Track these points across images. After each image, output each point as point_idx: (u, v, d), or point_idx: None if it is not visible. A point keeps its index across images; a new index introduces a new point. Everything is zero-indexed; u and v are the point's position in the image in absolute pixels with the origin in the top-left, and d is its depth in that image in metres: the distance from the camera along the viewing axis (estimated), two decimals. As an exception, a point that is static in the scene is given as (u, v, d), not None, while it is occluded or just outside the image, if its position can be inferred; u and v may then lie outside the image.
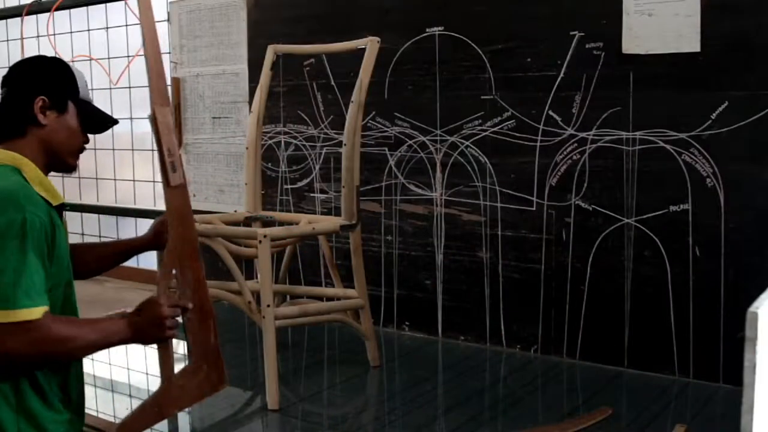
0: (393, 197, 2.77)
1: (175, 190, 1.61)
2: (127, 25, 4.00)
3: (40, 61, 1.70)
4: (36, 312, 1.41)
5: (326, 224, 2.31)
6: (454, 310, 2.66)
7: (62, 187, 4.43)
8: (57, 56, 1.71)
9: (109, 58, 4.12)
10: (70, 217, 4.41)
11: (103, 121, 1.75)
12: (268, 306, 2.04)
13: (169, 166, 1.59)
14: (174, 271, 1.65)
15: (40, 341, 1.42)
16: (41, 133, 1.59)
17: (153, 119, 1.60)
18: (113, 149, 4.19)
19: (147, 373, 2.48)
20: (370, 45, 2.27)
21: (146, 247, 2.04)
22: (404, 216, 2.75)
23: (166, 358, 1.62)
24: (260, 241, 2.03)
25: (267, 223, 2.51)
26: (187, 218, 1.65)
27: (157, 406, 1.62)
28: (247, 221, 2.53)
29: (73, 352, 1.52)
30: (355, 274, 2.34)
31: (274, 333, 2.05)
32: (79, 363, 1.64)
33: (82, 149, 1.69)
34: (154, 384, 2.37)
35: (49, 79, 1.63)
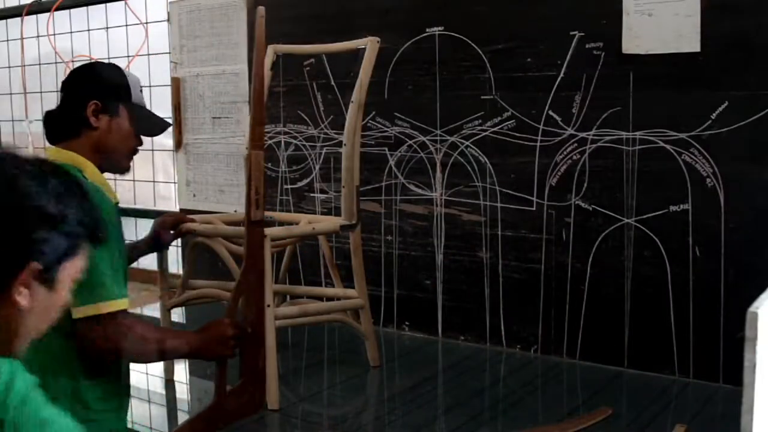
0: (393, 197, 2.76)
1: (255, 225, 1.73)
2: (127, 25, 4.00)
3: (96, 67, 1.80)
4: (124, 303, 1.52)
5: (326, 224, 2.31)
6: (454, 310, 2.66)
7: (62, 187, 4.43)
8: (113, 63, 1.84)
9: (109, 58, 4.12)
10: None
11: (157, 125, 1.82)
12: (269, 306, 2.04)
13: (253, 203, 1.70)
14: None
15: (124, 334, 1.53)
16: (94, 135, 1.66)
17: (247, 160, 1.72)
18: (113, 149, 4.18)
19: (147, 374, 2.48)
20: (370, 45, 2.27)
21: (148, 249, 2.08)
22: (404, 216, 2.75)
23: (221, 376, 1.70)
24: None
25: (266, 223, 2.50)
26: (260, 251, 1.76)
27: (205, 421, 1.69)
28: None
29: (147, 353, 1.61)
30: (355, 274, 2.34)
31: (274, 333, 2.05)
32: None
33: (134, 151, 1.76)
34: (155, 384, 2.37)
35: (102, 84, 1.70)
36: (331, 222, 2.34)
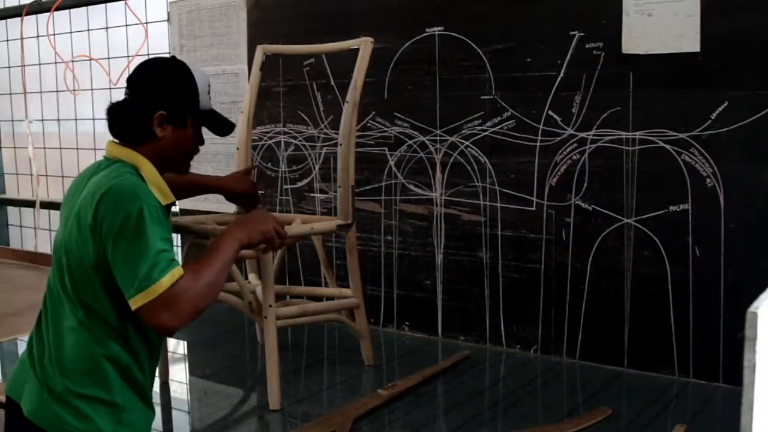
0: (393, 197, 2.77)
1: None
2: (127, 25, 4.00)
3: (164, 68, 1.72)
4: (173, 276, 1.47)
5: (324, 224, 2.31)
6: (454, 310, 2.66)
7: (62, 186, 4.43)
8: (183, 63, 1.74)
9: (109, 58, 4.12)
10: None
11: (223, 128, 1.82)
12: (270, 306, 2.04)
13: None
14: None
15: (191, 298, 1.49)
16: (157, 144, 1.64)
17: None
18: (113, 149, 4.18)
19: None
20: (364, 45, 2.28)
21: (217, 189, 2.19)
22: (404, 216, 2.75)
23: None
24: None
25: None
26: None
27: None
28: None
29: (219, 286, 1.59)
30: (350, 274, 2.34)
31: (275, 333, 2.05)
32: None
33: (196, 152, 1.74)
34: (155, 384, 2.37)
35: (170, 91, 1.66)
36: (328, 222, 2.34)
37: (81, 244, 1.53)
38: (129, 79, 1.68)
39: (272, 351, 2.04)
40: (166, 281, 1.45)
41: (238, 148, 2.54)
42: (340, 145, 2.25)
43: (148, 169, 1.62)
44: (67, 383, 1.54)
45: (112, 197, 1.50)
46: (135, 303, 1.46)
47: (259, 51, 2.53)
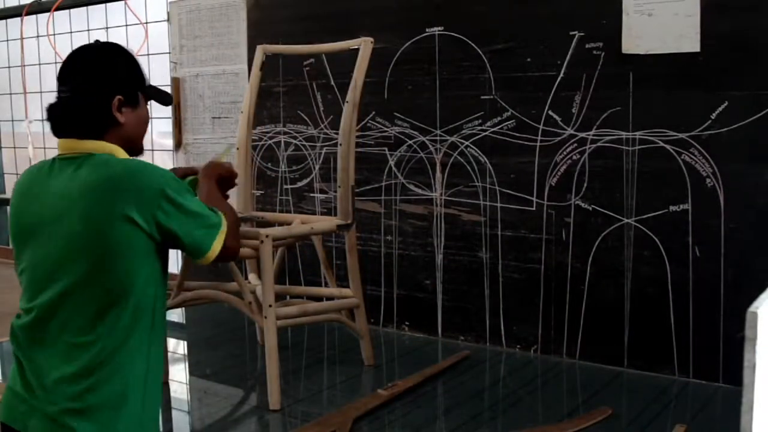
0: (393, 197, 2.77)
1: None
2: (127, 25, 4.00)
3: (104, 53, 1.66)
4: (219, 215, 1.63)
5: (324, 224, 2.32)
6: (454, 310, 2.66)
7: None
8: (115, 44, 1.70)
9: (108, 58, 4.11)
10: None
11: (166, 97, 1.80)
12: (270, 306, 2.04)
13: None
14: None
15: (235, 226, 1.69)
16: (120, 130, 1.60)
17: None
18: (113, 149, 4.18)
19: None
20: (364, 45, 2.28)
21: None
22: (404, 216, 2.75)
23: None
24: (262, 242, 2.03)
25: (260, 224, 2.51)
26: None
27: None
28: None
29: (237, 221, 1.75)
30: (350, 274, 2.34)
31: (275, 333, 2.05)
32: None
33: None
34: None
35: (120, 74, 1.63)
36: (328, 222, 2.34)
37: (98, 244, 1.46)
38: (66, 74, 1.62)
39: (272, 351, 2.04)
40: (223, 220, 1.61)
41: (238, 148, 2.54)
42: (340, 145, 2.25)
43: (121, 154, 1.59)
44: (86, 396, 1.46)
45: (141, 174, 1.50)
46: (217, 246, 1.58)
47: (259, 51, 2.53)
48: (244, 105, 2.53)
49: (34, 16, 4.28)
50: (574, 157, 2.38)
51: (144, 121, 1.67)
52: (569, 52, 2.35)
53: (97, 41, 1.71)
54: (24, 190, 1.58)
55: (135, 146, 1.66)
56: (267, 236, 2.03)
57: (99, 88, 1.59)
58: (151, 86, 1.72)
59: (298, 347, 2.66)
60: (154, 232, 1.48)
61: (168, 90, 1.92)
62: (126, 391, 1.47)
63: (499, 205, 2.53)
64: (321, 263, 2.47)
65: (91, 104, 1.59)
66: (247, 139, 2.53)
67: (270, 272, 2.05)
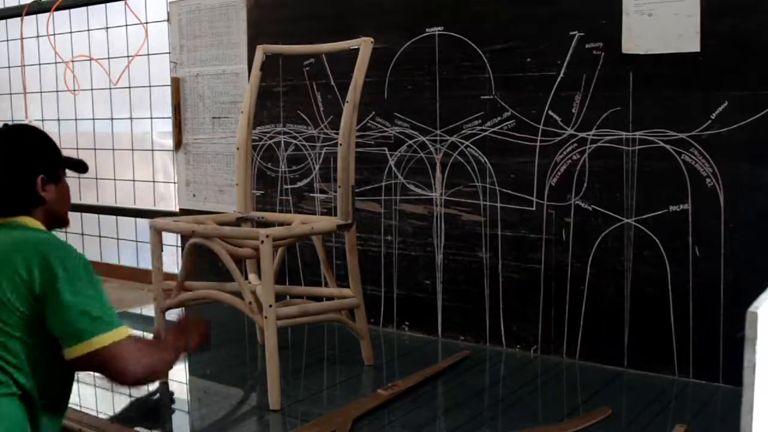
0: (393, 197, 2.77)
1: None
2: (127, 25, 4.00)
3: (22, 138, 1.72)
4: (124, 331, 1.57)
5: (324, 224, 2.31)
6: (454, 310, 2.66)
7: (62, 187, 4.43)
8: (25, 125, 1.83)
9: (109, 58, 4.12)
10: (70, 216, 4.40)
11: (83, 165, 1.87)
12: (270, 306, 2.04)
13: None
14: None
15: (143, 355, 1.60)
16: (45, 207, 1.67)
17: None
18: (113, 149, 4.19)
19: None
20: (364, 45, 2.28)
21: None
22: (404, 216, 2.75)
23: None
24: (262, 242, 2.02)
25: (260, 224, 2.51)
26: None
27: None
28: (238, 222, 2.53)
29: (159, 372, 1.75)
30: (350, 274, 2.34)
31: (276, 333, 2.04)
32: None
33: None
34: (155, 384, 2.37)
35: (40, 153, 1.69)
36: (328, 221, 2.34)
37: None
38: None
39: (272, 351, 2.04)
40: (108, 337, 1.52)
41: (238, 148, 2.54)
42: (340, 145, 2.25)
43: (40, 227, 1.67)
44: None
45: (48, 249, 1.54)
46: (83, 349, 1.51)
47: (259, 51, 2.53)
48: (244, 105, 2.53)
49: (34, 16, 4.27)
50: (574, 157, 2.38)
51: (66, 193, 1.74)
52: (569, 52, 2.35)
53: (5, 125, 1.75)
54: None
55: (60, 221, 1.74)
56: (267, 236, 2.03)
57: (22, 169, 1.65)
58: (66, 158, 1.79)
59: (298, 347, 2.66)
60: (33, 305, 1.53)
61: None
62: None
63: (499, 205, 2.53)
64: (321, 263, 2.47)
65: (16, 185, 1.65)
66: (248, 140, 2.53)
67: (270, 272, 2.05)
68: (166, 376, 1.87)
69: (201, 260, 2.42)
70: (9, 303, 1.51)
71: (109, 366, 1.55)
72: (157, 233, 2.27)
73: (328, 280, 2.46)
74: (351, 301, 2.33)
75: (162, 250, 2.28)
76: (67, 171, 1.80)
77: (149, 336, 2.25)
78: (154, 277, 2.28)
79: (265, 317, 2.04)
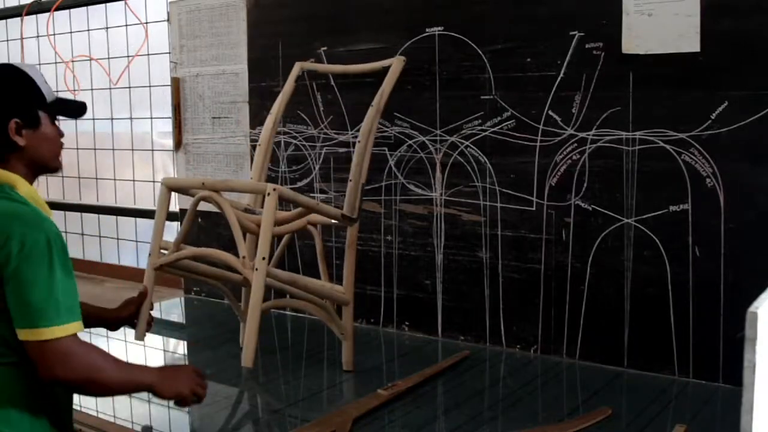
0: (393, 197, 2.77)
1: None
2: (127, 25, 4.00)
3: None
4: (69, 328, 1.44)
5: (330, 208, 2.29)
6: (454, 310, 2.66)
7: (62, 186, 4.44)
8: (5, 64, 1.67)
9: (109, 58, 4.12)
10: (70, 217, 4.41)
11: (76, 110, 1.75)
12: (264, 259, 1.96)
13: None
14: None
15: (73, 362, 1.45)
16: (22, 154, 1.58)
17: None
18: (113, 149, 4.19)
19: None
20: (396, 62, 2.44)
21: (117, 321, 2.02)
22: (404, 216, 2.75)
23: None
24: (268, 194, 1.98)
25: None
26: None
27: None
28: (245, 212, 2.50)
29: (101, 385, 1.53)
30: (345, 269, 2.32)
31: (263, 288, 1.96)
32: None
33: (61, 147, 1.68)
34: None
35: (12, 97, 1.59)
36: (333, 209, 2.31)
37: None
38: None
39: (255, 306, 1.94)
40: (45, 332, 1.42)
41: (259, 145, 2.56)
42: (359, 142, 2.28)
43: (24, 186, 1.57)
44: None
45: (10, 223, 1.45)
46: (21, 335, 1.44)
47: (297, 67, 2.65)
48: (275, 107, 2.59)
49: (34, 16, 4.28)
50: (574, 157, 2.38)
51: (50, 139, 1.63)
52: (569, 52, 2.35)
53: None
54: None
55: (45, 167, 1.64)
56: (274, 189, 1.99)
57: None
58: (57, 101, 1.68)
59: (298, 347, 2.66)
60: None
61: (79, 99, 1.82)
62: None
63: (499, 205, 2.53)
64: (318, 255, 2.46)
65: None
66: (270, 139, 2.58)
67: (270, 225, 1.98)
68: (110, 396, 1.70)
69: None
70: None
71: (37, 360, 1.44)
72: (167, 191, 2.19)
73: (321, 274, 2.44)
74: (341, 297, 2.31)
75: (168, 208, 2.20)
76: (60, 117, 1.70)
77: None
78: (153, 235, 2.17)
79: (256, 269, 1.96)
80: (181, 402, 1.70)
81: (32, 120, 1.59)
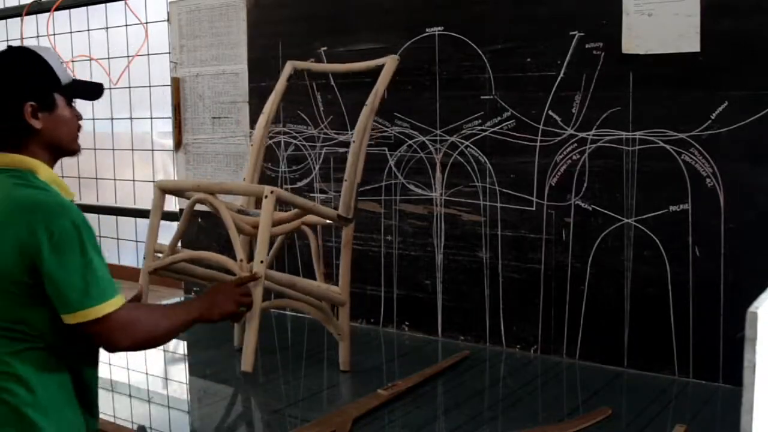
0: (393, 197, 2.77)
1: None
2: (127, 25, 4.01)
3: (8, 62, 1.61)
4: (118, 301, 1.49)
5: (326, 209, 2.27)
6: (454, 310, 2.66)
7: (62, 187, 4.43)
8: (18, 46, 1.64)
9: (109, 58, 4.12)
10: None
11: (94, 91, 1.74)
12: (261, 262, 1.95)
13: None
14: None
15: (132, 329, 1.52)
16: (39, 138, 1.57)
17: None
18: (113, 149, 4.19)
19: (147, 373, 2.48)
20: (390, 61, 2.39)
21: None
22: (404, 216, 2.75)
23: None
24: (266, 196, 1.98)
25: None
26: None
27: None
28: (239, 213, 2.50)
29: (160, 338, 1.62)
30: (341, 269, 2.33)
31: (262, 289, 1.95)
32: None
33: (79, 129, 1.67)
34: (155, 384, 2.37)
35: (28, 79, 1.58)
36: (329, 210, 2.29)
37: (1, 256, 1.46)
38: None
39: (255, 310, 1.93)
40: (98, 310, 1.46)
41: (252, 145, 2.56)
42: (353, 141, 2.27)
43: (45, 171, 1.57)
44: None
45: (34, 212, 1.46)
46: (72, 319, 1.46)
47: (289, 66, 2.62)
48: (267, 106, 2.57)
49: (34, 16, 4.28)
50: (574, 157, 2.38)
51: (67, 122, 1.62)
52: (569, 52, 2.35)
53: (8, 47, 1.65)
54: None
55: (63, 150, 1.63)
56: (272, 192, 1.99)
57: (8, 98, 1.55)
58: (73, 83, 1.66)
59: (298, 347, 2.66)
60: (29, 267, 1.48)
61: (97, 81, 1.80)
62: None
63: (499, 205, 2.53)
64: (312, 254, 2.45)
65: (3, 115, 1.55)
66: (263, 139, 2.56)
67: (267, 227, 1.98)
68: (169, 341, 1.73)
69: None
70: (12, 274, 1.46)
71: (98, 337, 1.50)
72: (161, 193, 2.18)
73: (316, 273, 2.43)
74: (337, 297, 2.30)
75: (162, 210, 2.18)
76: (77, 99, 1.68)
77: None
78: (147, 237, 2.17)
79: (255, 272, 1.96)
80: (233, 317, 1.79)
81: (48, 103, 1.58)
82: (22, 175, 1.54)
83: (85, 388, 1.59)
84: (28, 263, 1.45)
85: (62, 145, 1.62)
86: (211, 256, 2.17)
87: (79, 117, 1.67)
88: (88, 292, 1.46)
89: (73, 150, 1.66)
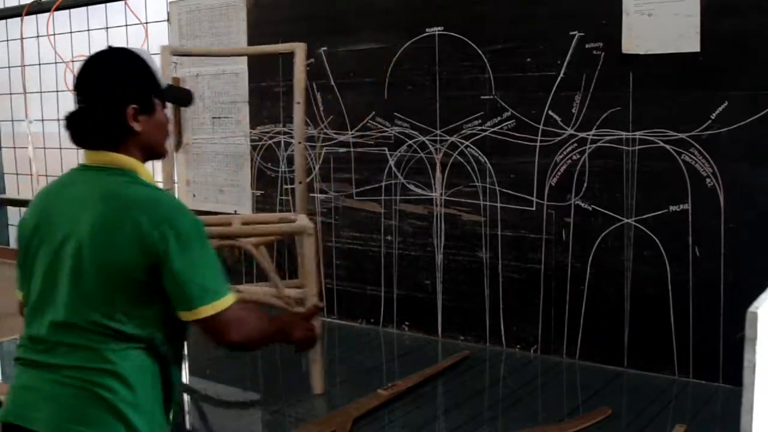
0: (393, 197, 2.77)
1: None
2: (126, 25, 4.00)
3: (115, 61, 1.63)
4: (233, 297, 1.54)
5: (302, 221, 2.20)
6: (454, 310, 2.66)
7: (62, 187, 4.43)
8: (124, 48, 1.67)
9: (108, 58, 4.11)
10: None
11: (186, 98, 1.82)
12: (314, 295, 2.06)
13: None
14: None
15: (244, 325, 1.57)
16: (138, 138, 1.58)
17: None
18: (113, 149, 4.18)
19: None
20: (299, 50, 2.34)
21: None
22: (404, 216, 2.75)
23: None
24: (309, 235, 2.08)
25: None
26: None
27: None
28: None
29: (260, 342, 1.68)
30: (304, 268, 2.15)
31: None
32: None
33: (168, 134, 1.70)
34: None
35: (133, 81, 1.59)
36: (302, 220, 2.22)
37: (117, 254, 1.48)
38: (80, 84, 1.59)
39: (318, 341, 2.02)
40: (216, 306, 1.51)
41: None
42: (299, 143, 2.31)
43: (145, 172, 1.59)
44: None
45: (158, 210, 1.49)
46: (192, 315, 1.50)
47: (165, 52, 2.39)
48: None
49: (34, 16, 4.27)
50: (574, 157, 2.38)
51: (163, 126, 1.64)
52: (569, 52, 2.35)
53: (109, 47, 1.66)
54: (48, 194, 1.62)
55: (156, 151, 1.65)
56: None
57: (112, 99, 1.56)
58: (168, 88, 1.69)
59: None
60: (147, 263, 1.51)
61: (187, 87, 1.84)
62: None
63: (499, 205, 2.53)
64: (267, 266, 2.25)
65: (105, 116, 1.56)
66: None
67: (312, 264, 2.08)
68: (260, 349, 1.77)
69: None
70: (129, 271, 1.48)
71: (213, 332, 1.54)
72: None
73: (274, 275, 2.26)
74: (298, 292, 2.14)
75: None
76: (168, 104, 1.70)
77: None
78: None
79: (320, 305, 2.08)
80: (306, 345, 1.87)
81: (148, 106, 1.59)
82: (127, 174, 1.56)
83: (170, 388, 1.61)
84: (150, 261, 1.47)
85: (155, 147, 1.64)
86: (262, 297, 2.16)
87: (169, 121, 1.70)
88: (208, 288, 1.50)
89: (163, 153, 1.68)
